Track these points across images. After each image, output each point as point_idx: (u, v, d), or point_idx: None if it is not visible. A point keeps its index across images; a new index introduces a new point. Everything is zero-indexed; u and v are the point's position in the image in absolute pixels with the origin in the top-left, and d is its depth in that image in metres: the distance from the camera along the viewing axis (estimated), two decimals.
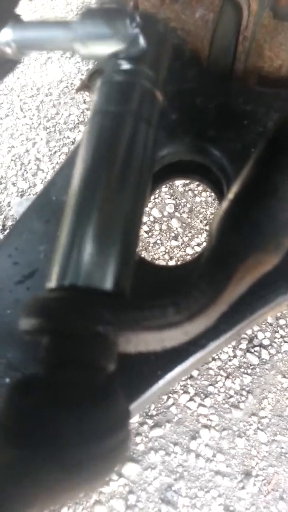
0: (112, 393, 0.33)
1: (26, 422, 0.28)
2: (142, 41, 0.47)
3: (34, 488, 0.26)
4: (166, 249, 1.48)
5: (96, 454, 0.29)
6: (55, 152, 1.73)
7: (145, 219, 1.54)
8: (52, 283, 0.38)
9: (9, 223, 1.57)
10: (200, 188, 1.60)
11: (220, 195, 0.69)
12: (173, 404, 1.25)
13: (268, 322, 1.38)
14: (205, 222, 1.54)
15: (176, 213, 1.55)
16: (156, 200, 1.58)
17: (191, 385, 1.27)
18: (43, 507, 0.27)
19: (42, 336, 0.35)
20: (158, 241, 1.50)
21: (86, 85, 0.80)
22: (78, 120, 1.81)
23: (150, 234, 1.51)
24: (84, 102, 1.85)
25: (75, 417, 0.29)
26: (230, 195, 0.40)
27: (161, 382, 0.50)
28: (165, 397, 1.25)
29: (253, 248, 0.36)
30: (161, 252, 1.48)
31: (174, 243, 1.49)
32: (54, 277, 0.39)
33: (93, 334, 0.33)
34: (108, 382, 0.34)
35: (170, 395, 1.26)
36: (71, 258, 0.38)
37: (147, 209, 1.56)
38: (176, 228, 1.52)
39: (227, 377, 1.29)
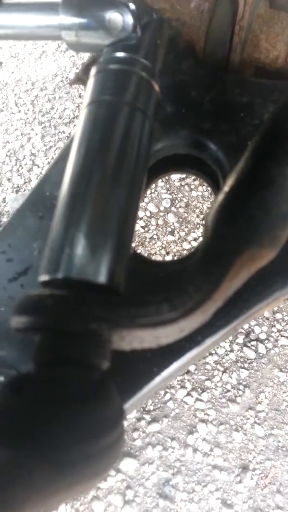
0: (106, 391, 0.32)
1: (18, 421, 0.28)
2: (138, 30, 0.46)
3: (26, 490, 0.25)
4: (162, 244, 1.47)
5: (89, 454, 0.28)
6: (50, 147, 1.71)
7: (141, 214, 1.53)
8: (45, 275, 0.38)
9: (4, 219, 1.55)
10: (197, 182, 1.59)
11: (216, 189, 0.69)
12: (170, 399, 1.25)
13: (264, 316, 1.38)
14: (201, 216, 1.53)
15: (173, 208, 1.54)
16: (153, 195, 1.57)
17: (188, 380, 1.27)
18: (36, 509, 0.27)
19: (34, 334, 0.34)
20: (155, 236, 1.49)
21: (80, 78, 0.79)
22: (74, 114, 1.79)
23: (146, 229, 1.51)
24: (80, 96, 1.83)
25: (68, 416, 0.28)
26: (226, 188, 0.40)
27: (157, 379, 0.50)
28: (162, 392, 1.25)
29: (248, 242, 0.35)
30: (157, 247, 1.47)
31: (170, 238, 1.48)
32: (47, 269, 0.38)
33: (86, 332, 0.32)
34: (102, 379, 0.33)
35: (167, 390, 1.26)
36: (65, 251, 0.37)
37: (143, 204, 1.55)
38: (173, 223, 1.51)
39: (224, 372, 1.29)
